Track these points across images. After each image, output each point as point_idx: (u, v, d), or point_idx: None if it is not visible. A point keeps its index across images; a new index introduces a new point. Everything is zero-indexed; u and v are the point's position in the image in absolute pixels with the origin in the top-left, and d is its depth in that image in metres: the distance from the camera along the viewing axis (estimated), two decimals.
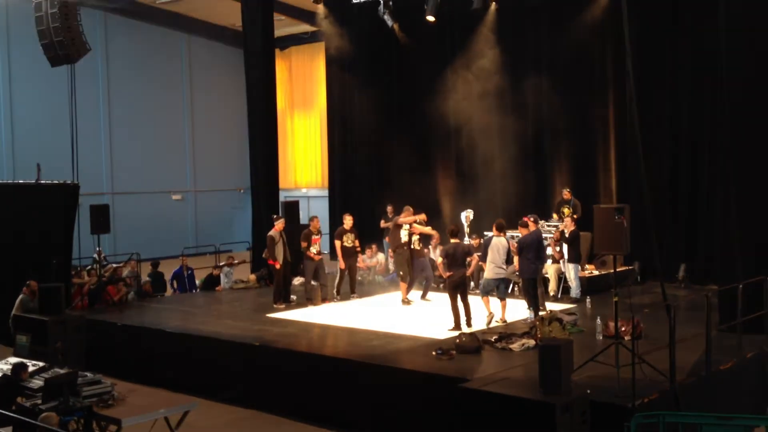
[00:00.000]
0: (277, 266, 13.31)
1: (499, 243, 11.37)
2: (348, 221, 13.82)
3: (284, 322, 12.22)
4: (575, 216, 14.09)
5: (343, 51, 19.86)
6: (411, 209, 13.86)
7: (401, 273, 13.66)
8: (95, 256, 15.33)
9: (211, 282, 16.11)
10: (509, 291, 12.90)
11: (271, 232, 13.40)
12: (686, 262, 14.50)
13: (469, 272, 11.96)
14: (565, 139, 16.69)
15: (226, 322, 12.45)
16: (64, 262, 13.85)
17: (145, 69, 26.97)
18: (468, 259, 11.70)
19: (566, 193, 15.01)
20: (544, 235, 13.97)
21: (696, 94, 14.78)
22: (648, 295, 12.97)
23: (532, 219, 11.91)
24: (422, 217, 13.80)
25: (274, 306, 13.31)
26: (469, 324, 11.14)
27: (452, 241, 11.50)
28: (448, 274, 11.41)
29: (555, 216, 14.93)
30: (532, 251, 11.45)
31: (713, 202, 14.17)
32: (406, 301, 13.42)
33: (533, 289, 11.55)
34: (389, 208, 16.35)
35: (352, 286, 14.00)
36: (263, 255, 14.15)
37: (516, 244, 11.68)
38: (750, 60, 10.37)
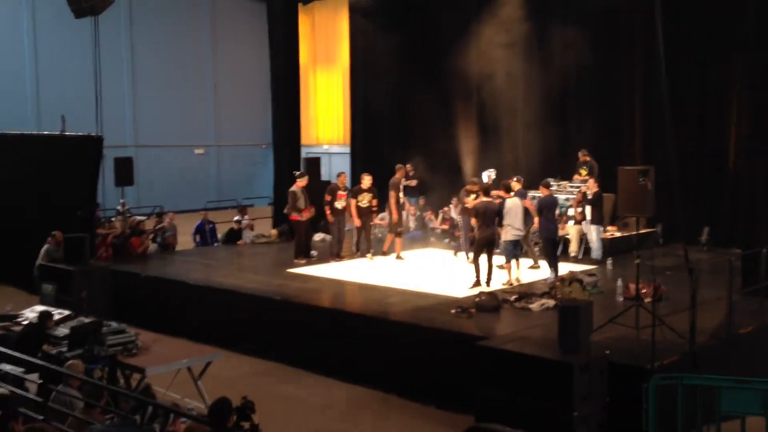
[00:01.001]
0: (302, 220, 13.35)
1: (513, 205, 11.22)
2: (366, 181, 13.73)
3: (305, 278, 12.32)
4: (589, 177, 13.95)
5: (366, 4, 19.59)
6: (403, 168, 14.08)
7: (390, 230, 13.95)
8: (119, 208, 15.49)
9: (233, 236, 16.22)
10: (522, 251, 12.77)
11: (293, 188, 13.44)
12: (710, 226, 14.36)
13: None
14: (590, 96, 16.43)
15: (247, 275, 12.59)
16: (89, 213, 14.01)
17: (169, 22, 26.87)
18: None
19: (582, 156, 14.86)
20: (566, 197, 13.95)
21: (724, 54, 14.44)
22: (670, 258, 12.85)
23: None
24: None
25: (295, 261, 13.40)
26: (488, 283, 11.16)
27: (484, 199, 11.40)
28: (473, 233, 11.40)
29: (576, 177, 14.82)
30: (552, 212, 11.40)
31: (738, 165, 13.99)
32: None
33: (553, 249, 11.53)
34: (408, 167, 16.23)
35: (367, 246, 13.98)
36: (284, 210, 14.23)
37: (535, 205, 11.62)
38: None
